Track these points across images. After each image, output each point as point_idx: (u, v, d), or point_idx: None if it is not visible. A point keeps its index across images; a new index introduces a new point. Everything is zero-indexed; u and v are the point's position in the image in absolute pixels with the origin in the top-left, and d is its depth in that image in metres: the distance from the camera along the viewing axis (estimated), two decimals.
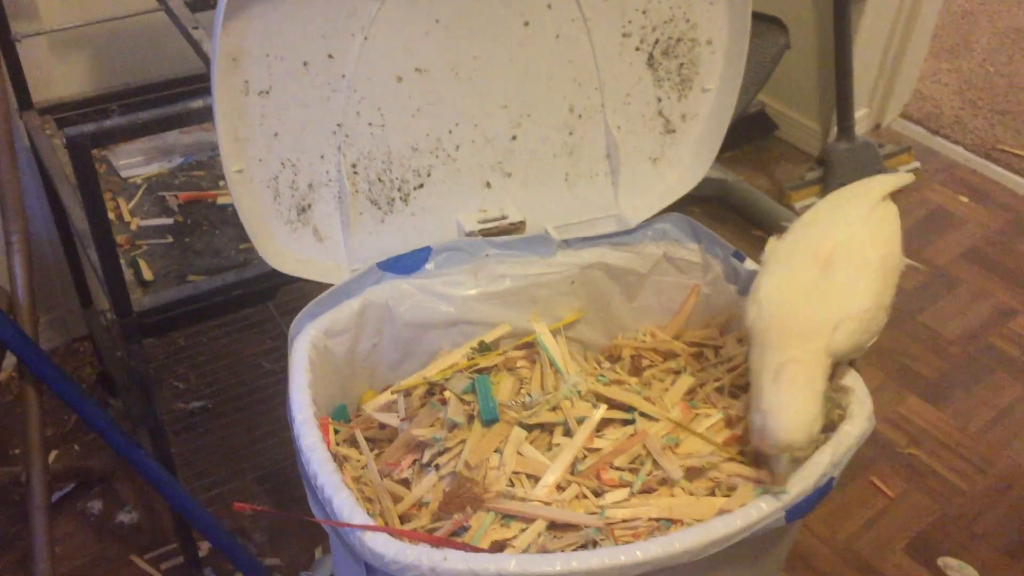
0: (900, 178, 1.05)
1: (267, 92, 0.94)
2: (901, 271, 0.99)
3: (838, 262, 0.92)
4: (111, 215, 1.39)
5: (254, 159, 0.96)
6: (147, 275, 1.29)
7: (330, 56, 0.96)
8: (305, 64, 0.95)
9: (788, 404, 0.86)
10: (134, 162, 1.50)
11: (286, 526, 1.54)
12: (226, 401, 1.72)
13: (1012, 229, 2.17)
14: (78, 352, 1.81)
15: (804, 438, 0.85)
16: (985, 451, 1.70)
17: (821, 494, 0.89)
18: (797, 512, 0.87)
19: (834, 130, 2.21)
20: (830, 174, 2.15)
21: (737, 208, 2.16)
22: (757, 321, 0.91)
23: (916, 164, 2.25)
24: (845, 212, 0.99)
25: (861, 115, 2.33)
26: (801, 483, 0.87)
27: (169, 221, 1.39)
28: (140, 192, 1.44)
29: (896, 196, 1.05)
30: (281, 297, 1.36)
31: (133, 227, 1.37)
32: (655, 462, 0.95)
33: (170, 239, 1.36)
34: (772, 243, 0.98)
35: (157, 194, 1.44)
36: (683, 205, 2.23)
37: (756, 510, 0.84)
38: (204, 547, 1.50)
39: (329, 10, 0.93)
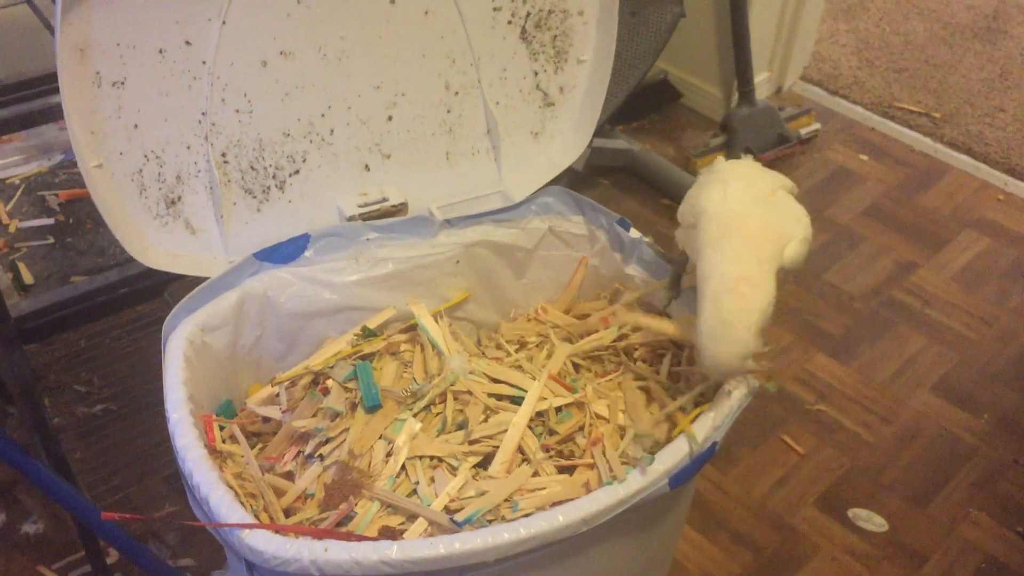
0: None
1: (122, 83, 0.91)
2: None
3: (781, 194, 0.95)
4: None
5: (114, 153, 0.93)
6: (27, 279, 1.24)
7: (187, 43, 0.93)
8: (161, 52, 0.92)
9: (724, 333, 0.85)
10: (12, 162, 1.44)
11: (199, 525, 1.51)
12: (130, 402, 1.68)
13: (910, 184, 2.22)
14: None
15: (736, 364, 0.86)
16: (890, 403, 1.74)
17: (703, 459, 0.89)
18: (680, 479, 0.87)
19: (736, 96, 2.23)
20: (733, 140, 2.17)
21: (644, 178, 2.17)
22: (708, 224, 0.91)
23: (817, 126, 2.29)
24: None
25: (762, 79, 2.35)
26: (682, 450, 0.88)
27: (50, 221, 1.35)
28: (19, 193, 1.39)
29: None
30: (181, 292, 1.32)
31: (12, 229, 1.33)
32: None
33: (51, 240, 1.32)
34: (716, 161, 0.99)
35: (37, 194, 1.39)
36: (591, 177, 2.23)
37: (637, 480, 0.84)
38: (113, 553, 1.46)
39: None
